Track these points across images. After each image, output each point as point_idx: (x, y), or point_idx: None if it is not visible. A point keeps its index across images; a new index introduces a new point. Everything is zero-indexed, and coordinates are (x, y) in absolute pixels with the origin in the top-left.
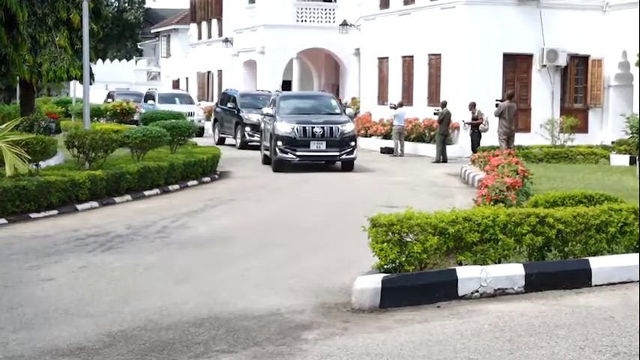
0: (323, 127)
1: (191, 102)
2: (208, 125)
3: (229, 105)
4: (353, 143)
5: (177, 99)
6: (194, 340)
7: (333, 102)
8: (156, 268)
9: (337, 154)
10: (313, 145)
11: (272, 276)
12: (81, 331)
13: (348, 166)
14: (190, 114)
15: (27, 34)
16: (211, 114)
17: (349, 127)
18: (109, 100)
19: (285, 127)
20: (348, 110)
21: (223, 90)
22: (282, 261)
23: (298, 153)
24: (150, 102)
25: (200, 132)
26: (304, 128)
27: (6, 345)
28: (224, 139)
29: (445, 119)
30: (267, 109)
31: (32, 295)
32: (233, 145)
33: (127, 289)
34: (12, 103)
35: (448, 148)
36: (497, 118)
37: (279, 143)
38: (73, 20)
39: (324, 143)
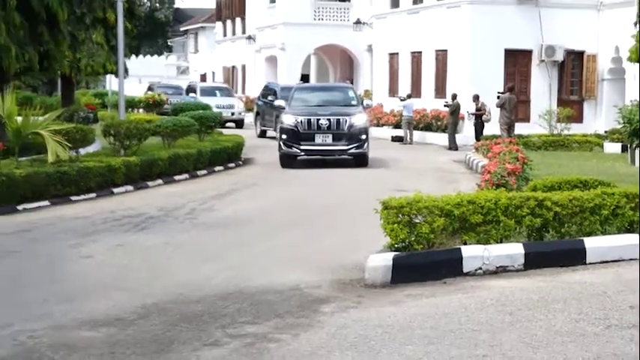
0: (329, 119)
1: (231, 95)
2: (248, 119)
3: (270, 98)
4: (363, 136)
5: (217, 92)
6: (221, 312)
7: (351, 93)
8: (185, 246)
9: (345, 147)
10: (318, 139)
11: (292, 254)
12: (117, 303)
13: (360, 160)
14: (230, 106)
15: (67, 31)
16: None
17: (360, 120)
18: (150, 92)
19: (289, 120)
20: (367, 102)
21: (265, 84)
22: (301, 240)
23: (303, 147)
24: (191, 95)
25: (240, 124)
26: (309, 120)
27: (51, 315)
28: (265, 131)
29: (456, 110)
30: (279, 102)
31: (73, 271)
32: (274, 138)
33: (159, 266)
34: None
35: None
36: (499, 109)
37: (284, 137)
38: (108, 19)
39: (330, 136)
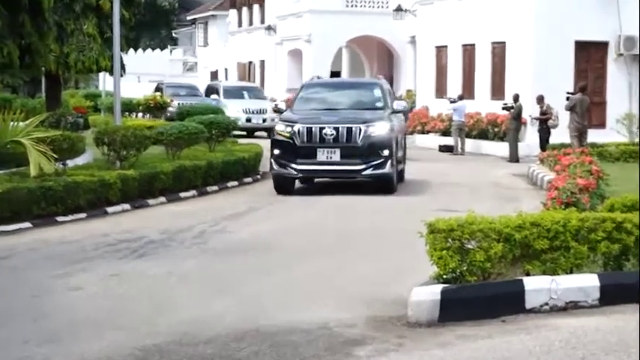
0: (336, 128)
1: (261, 96)
2: None
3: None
4: (385, 152)
5: (245, 93)
6: (235, 355)
7: (378, 92)
8: (193, 276)
9: (358, 167)
10: (321, 155)
11: (319, 286)
12: (111, 344)
13: (382, 185)
14: (262, 111)
15: (53, 21)
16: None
17: (381, 128)
18: (158, 93)
19: (283, 128)
20: (399, 103)
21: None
22: (330, 269)
23: (300, 166)
24: (213, 96)
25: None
26: (308, 130)
27: (32, 359)
28: None
29: (519, 114)
30: (281, 104)
31: (59, 306)
32: None
33: (161, 300)
34: (37, 96)
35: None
36: (568, 112)
37: (276, 152)
38: (102, 6)
39: (338, 152)
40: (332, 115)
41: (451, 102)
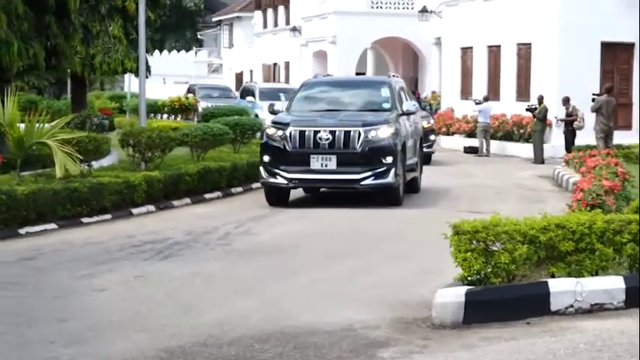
0: (333, 132)
1: None
2: None
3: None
4: (389, 159)
5: (282, 94)
6: (259, 357)
7: (385, 91)
8: (217, 278)
9: (357, 176)
10: (315, 162)
11: (343, 287)
12: (136, 346)
13: (385, 197)
14: None
15: (79, 23)
16: None
17: (383, 133)
18: (190, 95)
19: (273, 132)
20: (410, 104)
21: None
22: (354, 271)
23: (291, 174)
24: (249, 98)
25: None
26: (301, 134)
27: None
28: None
29: (545, 116)
30: (278, 103)
31: (84, 307)
32: None
33: (186, 301)
34: (62, 98)
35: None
36: (594, 114)
37: (266, 158)
38: (128, 8)
39: (334, 158)
40: (330, 117)
41: (476, 103)
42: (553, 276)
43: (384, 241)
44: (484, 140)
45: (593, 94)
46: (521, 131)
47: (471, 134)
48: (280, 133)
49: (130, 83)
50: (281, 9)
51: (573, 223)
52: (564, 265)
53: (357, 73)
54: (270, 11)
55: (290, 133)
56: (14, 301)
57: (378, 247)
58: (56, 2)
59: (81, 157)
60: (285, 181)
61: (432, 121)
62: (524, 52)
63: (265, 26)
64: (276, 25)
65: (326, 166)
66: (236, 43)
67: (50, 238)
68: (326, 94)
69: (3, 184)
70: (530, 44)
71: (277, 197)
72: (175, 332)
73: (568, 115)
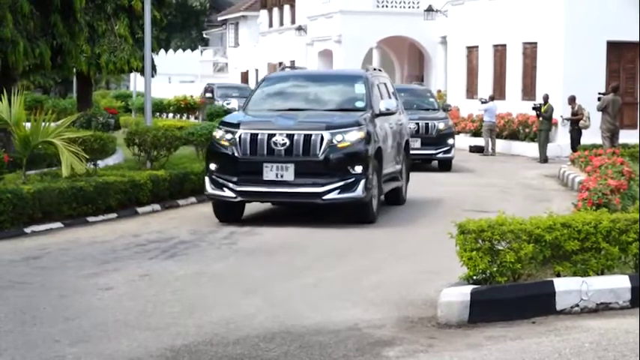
0: (291, 136)
1: None
2: None
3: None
4: (358, 168)
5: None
6: (264, 356)
7: (360, 88)
8: (223, 277)
9: (318, 189)
10: (269, 172)
11: (349, 287)
12: (142, 345)
13: (358, 213)
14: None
15: (84, 22)
16: None
17: (351, 137)
18: (209, 94)
19: (220, 136)
20: (388, 103)
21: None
22: (359, 270)
23: (239, 187)
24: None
25: None
26: (253, 138)
27: (63, 358)
28: None
29: (551, 115)
30: (234, 102)
31: (90, 306)
32: None
33: (191, 300)
34: (68, 97)
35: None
36: (600, 113)
37: (212, 166)
38: (134, 7)
39: (291, 168)
40: (289, 117)
41: (482, 102)
42: (558, 275)
43: (391, 234)
44: (490, 139)
45: (599, 93)
46: (527, 130)
47: (476, 133)
48: (229, 136)
49: (136, 82)
50: (287, 8)
51: (579, 223)
52: (570, 265)
53: None
54: (275, 10)
55: (240, 137)
56: (20, 299)
57: (379, 245)
58: (62, 1)
59: (87, 156)
60: (232, 195)
61: (450, 123)
62: (530, 51)
63: (271, 25)
64: (281, 24)
65: (282, 176)
66: (242, 42)
67: (56, 237)
68: (290, 91)
69: (9, 183)
70: (535, 43)
71: (227, 212)
72: (181, 331)
73: (574, 114)
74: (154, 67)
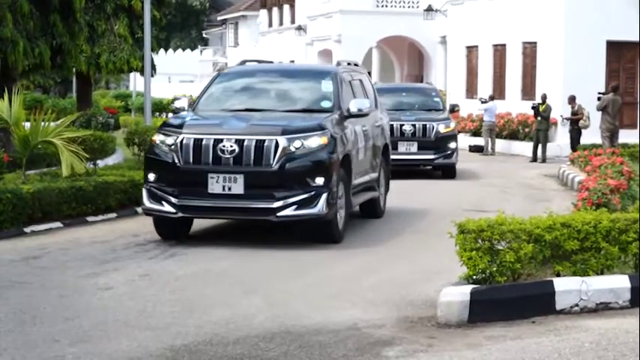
0: (240, 142)
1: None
2: None
3: None
4: (320, 180)
5: None
6: (264, 356)
7: (327, 86)
8: (222, 276)
9: (272, 204)
10: (215, 184)
11: (349, 286)
12: (141, 344)
13: (319, 232)
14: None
15: (84, 22)
16: None
17: (312, 143)
18: None
19: (161, 140)
20: (359, 102)
21: None
22: (360, 270)
23: (181, 201)
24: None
25: None
26: (196, 143)
27: (63, 358)
28: None
29: (549, 114)
30: (181, 101)
31: (89, 306)
32: None
33: (191, 300)
34: (68, 97)
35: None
36: (600, 112)
37: (150, 176)
38: (133, 7)
39: (241, 179)
40: (241, 120)
41: (482, 102)
42: (558, 275)
43: (382, 236)
44: (489, 139)
45: (599, 93)
46: (527, 130)
47: (476, 133)
48: (169, 141)
49: (136, 82)
50: (286, 8)
51: (579, 222)
52: (569, 264)
53: None
54: (275, 10)
55: (181, 142)
56: (20, 299)
57: (379, 244)
58: (61, 1)
59: (86, 156)
60: (172, 210)
61: (452, 125)
62: (530, 51)
63: (270, 25)
64: (281, 24)
65: (229, 189)
66: (241, 41)
67: (56, 237)
68: (249, 88)
69: (9, 183)
70: (535, 43)
71: (169, 229)
72: (180, 331)
73: (573, 113)
74: (153, 67)
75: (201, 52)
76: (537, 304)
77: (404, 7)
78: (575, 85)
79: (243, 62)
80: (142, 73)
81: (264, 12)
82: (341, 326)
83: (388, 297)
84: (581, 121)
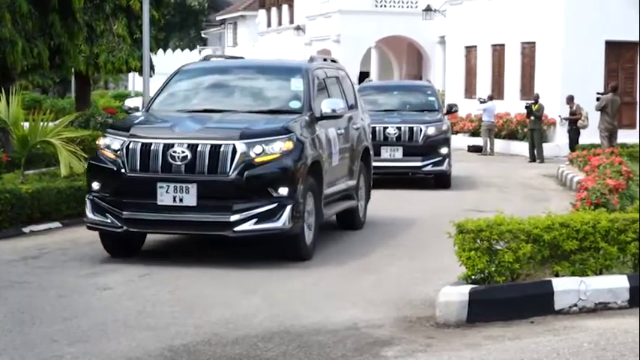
0: (193, 147)
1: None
2: None
3: None
4: (283, 190)
5: None
6: (263, 355)
7: (297, 84)
8: (223, 276)
9: (230, 218)
10: (165, 195)
11: (348, 286)
12: (141, 344)
13: (284, 248)
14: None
15: (83, 22)
16: None
17: (276, 149)
18: None
19: (107, 144)
20: (332, 102)
21: None
22: (359, 269)
23: (127, 213)
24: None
25: None
26: (144, 148)
27: (61, 358)
28: None
29: (541, 114)
30: (133, 100)
31: (88, 306)
32: None
33: (190, 300)
34: (66, 96)
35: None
36: (599, 112)
37: (95, 185)
38: (132, 7)
39: (193, 189)
40: (197, 122)
41: (481, 102)
42: (557, 275)
43: (389, 234)
44: (488, 139)
45: (598, 93)
46: (526, 130)
47: (474, 133)
48: (115, 145)
49: (134, 82)
50: (285, 8)
51: (577, 222)
52: (568, 264)
53: (360, 73)
54: (274, 10)
55: (127, 147)
56: (18, 299)
57: (378, 244)
58: (60, 1)
59: (85, 156)
60: (118, 224)
61: (444, 127)
62: (529, 51)
63: (269, 25)
64: (280, 23)
65: (181, 200)
66: (240, 41)
67: (54, 237)
68: (210, 87)
69: (7, 183)
70: (534, 43)
71: (117, 244)
72: (180, 331)
73: (572, 113)
74: (152, 67)
75: (200, 52)
76: (536, 304)
77: (403, 7)
78: (574, 85)
79: (207, 58)
80: (140, 73)
81: (262, 12)
82: (340, 326)
83: (387, 296)
84: (580, 121)
